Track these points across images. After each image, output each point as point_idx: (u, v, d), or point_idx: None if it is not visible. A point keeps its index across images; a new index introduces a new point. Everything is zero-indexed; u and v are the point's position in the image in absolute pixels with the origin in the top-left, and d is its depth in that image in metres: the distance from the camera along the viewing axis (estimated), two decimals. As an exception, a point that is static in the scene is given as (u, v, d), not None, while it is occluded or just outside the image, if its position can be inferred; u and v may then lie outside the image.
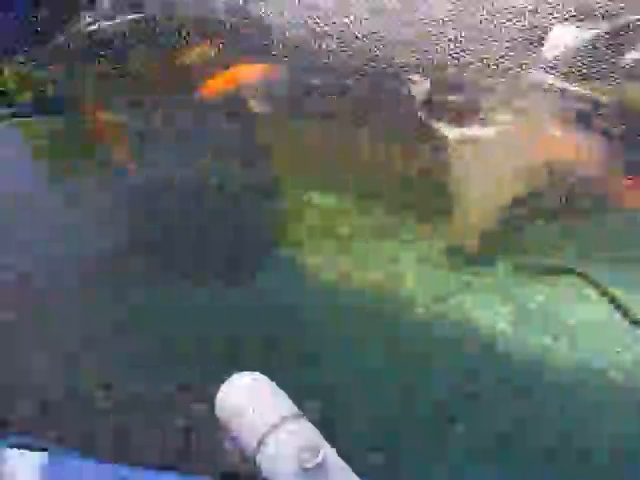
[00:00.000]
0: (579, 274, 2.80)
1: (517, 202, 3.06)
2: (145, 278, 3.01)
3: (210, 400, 1.97)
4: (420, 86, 3.72)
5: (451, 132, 3.48)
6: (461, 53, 3.89)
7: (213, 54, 4.18)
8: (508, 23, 3.92)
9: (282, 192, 3.41)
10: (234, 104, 3.79)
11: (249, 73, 4.00)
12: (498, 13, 3.89)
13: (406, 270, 2.88)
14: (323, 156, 3.50)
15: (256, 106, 3.79)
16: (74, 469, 1.75)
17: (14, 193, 3.53)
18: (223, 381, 1.90)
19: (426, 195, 3.22)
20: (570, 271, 2.82)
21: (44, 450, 1.54)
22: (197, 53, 4.20)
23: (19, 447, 1.40)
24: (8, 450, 1.33)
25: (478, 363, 2.52)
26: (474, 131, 3.48)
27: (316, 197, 3.30)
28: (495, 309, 2.70)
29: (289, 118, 3.80)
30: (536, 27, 3.91)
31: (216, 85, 3.94)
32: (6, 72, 4.38)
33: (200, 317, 2.77)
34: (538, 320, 2.66)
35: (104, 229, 3.31)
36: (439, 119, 3.53)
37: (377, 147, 3.49)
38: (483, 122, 3.54)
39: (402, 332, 2.66)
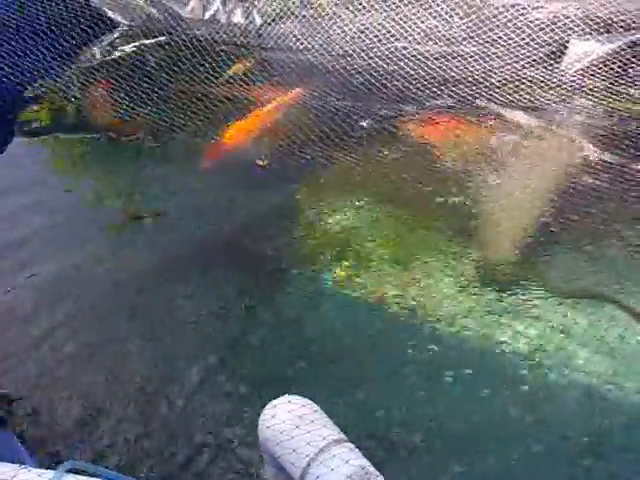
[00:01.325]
0: (612, 300, 2.80)
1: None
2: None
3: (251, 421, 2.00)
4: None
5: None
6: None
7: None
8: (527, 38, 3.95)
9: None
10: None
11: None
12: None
13: (441, 290, 2.89)
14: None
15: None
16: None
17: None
18: (265, 403, 1.92)
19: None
20: (602, 296, 2.82)
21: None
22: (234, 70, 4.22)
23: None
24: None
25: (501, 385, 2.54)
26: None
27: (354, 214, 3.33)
28: (524, 331, 2.71)
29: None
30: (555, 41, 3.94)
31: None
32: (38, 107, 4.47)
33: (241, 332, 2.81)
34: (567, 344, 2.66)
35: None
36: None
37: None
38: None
39: (432, 351, 2.67)
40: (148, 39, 4.76)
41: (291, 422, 1.77)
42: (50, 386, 2.68)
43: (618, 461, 2.25)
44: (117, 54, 4.70)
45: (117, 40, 4.81)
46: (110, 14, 4.89)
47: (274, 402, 1.89)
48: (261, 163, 3.63)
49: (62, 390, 2.66)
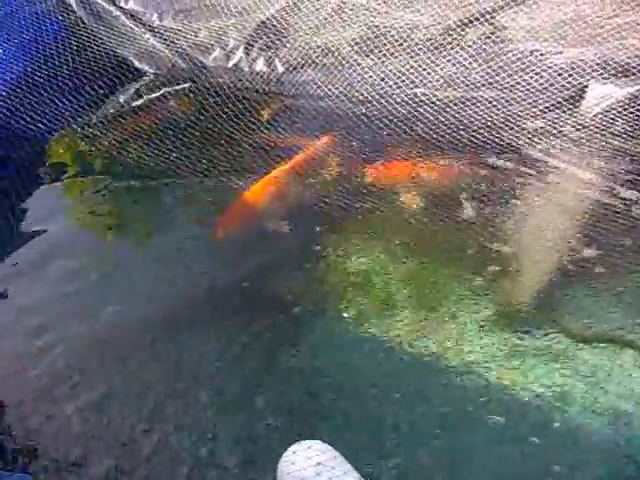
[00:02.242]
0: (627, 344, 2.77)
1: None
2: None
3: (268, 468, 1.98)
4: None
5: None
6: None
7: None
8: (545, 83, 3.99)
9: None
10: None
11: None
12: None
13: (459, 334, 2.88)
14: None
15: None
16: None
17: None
18: (283, 449, 1.90)
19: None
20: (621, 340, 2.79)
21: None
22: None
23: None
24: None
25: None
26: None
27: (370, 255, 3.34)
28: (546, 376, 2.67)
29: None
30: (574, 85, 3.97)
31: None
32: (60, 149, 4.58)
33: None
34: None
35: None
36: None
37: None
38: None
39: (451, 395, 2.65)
40: (173, 87, 4.89)
41: (311, 469, 1.76)
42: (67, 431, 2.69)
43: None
44: (142, 102, 4.82)
45: (143, 88, 4.94)
46: (136, 63, 5.04)
47: (293, 448, 1.88)
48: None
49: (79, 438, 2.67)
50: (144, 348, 3.04)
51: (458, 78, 4.14)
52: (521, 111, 3.97)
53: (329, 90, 4.37)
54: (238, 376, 2.84)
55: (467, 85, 4.12)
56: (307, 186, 3.83)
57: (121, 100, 4.89)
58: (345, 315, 3.04)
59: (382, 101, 4.16)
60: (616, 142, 3.70)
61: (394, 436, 2.51)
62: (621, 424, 2.47)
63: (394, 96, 4.13)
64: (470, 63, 4.17)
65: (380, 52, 4.36)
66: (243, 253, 3.51)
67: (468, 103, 4.06)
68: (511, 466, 2.39)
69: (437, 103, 4.06)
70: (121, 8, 5.03)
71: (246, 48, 4.75)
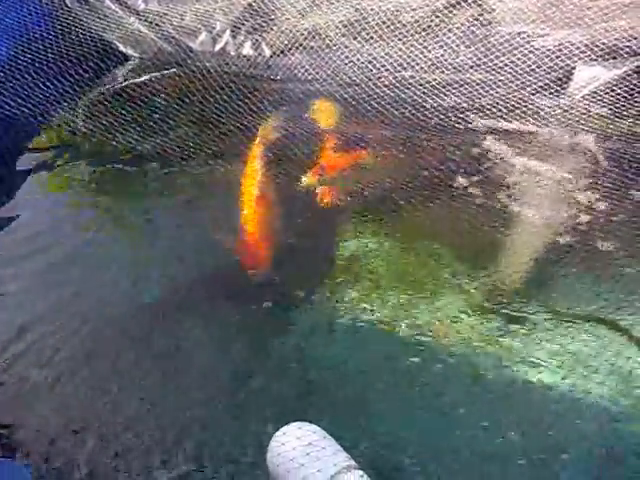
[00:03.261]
0: (611, 323, 2.80)
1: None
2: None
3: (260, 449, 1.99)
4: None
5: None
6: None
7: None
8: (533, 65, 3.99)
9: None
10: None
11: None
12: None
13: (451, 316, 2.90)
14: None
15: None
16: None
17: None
18: (273, 431, 1.91)
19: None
20: (602, 320, 2.82)
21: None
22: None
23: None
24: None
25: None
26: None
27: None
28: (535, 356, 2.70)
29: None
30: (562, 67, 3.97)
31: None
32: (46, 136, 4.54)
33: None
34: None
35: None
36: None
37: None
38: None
39: (442, 374, 2.66)
40: (159, 71, 4.85)
41: (301, 449, 1.77)
42: (62, 418, 2.69)
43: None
44: (127, 86, 4.78)
45: (129, 72, 4.90)
46: (122, 48, 4.99)
47: (283, 429, 1.89)
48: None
49: (74, 422, 2.67)
50: (136, 333, 3.04)
51: (446, 60, 4.13)
52: (509, 93, 3.97)
53: (317, 73, 4.36)
54: (231, 359, 2.85)
55: (455, 67, 4.12)
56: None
57: (106, 84, 4.85)
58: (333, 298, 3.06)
59: (370, 84, 4.15)
60: (603, 123, 3.72)
61: (383, 417, 2.52)
62: (605, 404, 2.51)
63: (382, 79, 4.13)
64: (458, 45, 4.16)
65: (367, 35, 4.33)
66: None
67: (456, 85, 4.06)
68: (497, 445, 2.41)
69: (425, 85, 4.06)
70: (106, -8, 4.97)
71: (233, 31, 4.71)
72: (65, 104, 4.61)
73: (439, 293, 3.01)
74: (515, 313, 2.87)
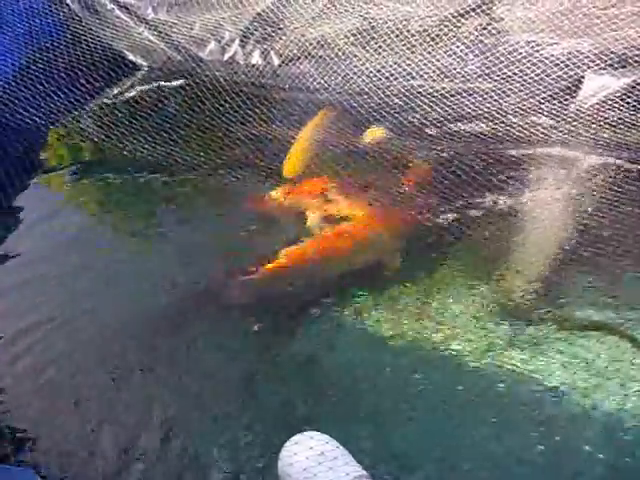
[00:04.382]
0: (617, 331, 2.79)
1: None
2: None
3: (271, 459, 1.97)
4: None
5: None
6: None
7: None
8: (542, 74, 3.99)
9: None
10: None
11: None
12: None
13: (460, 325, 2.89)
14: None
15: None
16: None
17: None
18: (284, 440, 1.90)
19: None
20: (609, 328, 2.81)
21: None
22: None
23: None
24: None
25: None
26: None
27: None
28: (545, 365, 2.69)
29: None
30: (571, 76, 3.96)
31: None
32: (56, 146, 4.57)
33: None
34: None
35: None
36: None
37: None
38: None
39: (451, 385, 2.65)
40: (168, 81, 4.87)
41: (313, 459, 1.76)
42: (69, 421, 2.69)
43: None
44: (137, 95, 4.81)
45: (138, 82, 4.93)
46: (131, 57, 5.02)
47: (294, 439, 1.88)
48: None
49: (82, 426, 2.66)
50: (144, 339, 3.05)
51: (455, 69, 4.14)
52: (517, 102, 3.97)
53: (325, 82, 4.37)
54: (240, 367, 2.84)
55: (463, 76, 4.12)
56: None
57: (115, 93, 4.88)
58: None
59: (379, 93, 4.16)
60: (612, 132, 3.71)
61: (395, 426, 2.51)
62: (616, 413, 2.49)
63: (390, 88, 4.13)
64: (466, 54, 4.16)
65: (376, 44, 4.34)
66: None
67: (464, 94, 4.06)
68: (505, 453, 2.39)
69: (434, 94, 4.06)
70: (115, 1, 5.00)
71: (242, 41, 4.73)
72: (75, 113, 4.64)
73: (448, 300, 3.01)
74: (526, 323, 2.86)
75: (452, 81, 4.13)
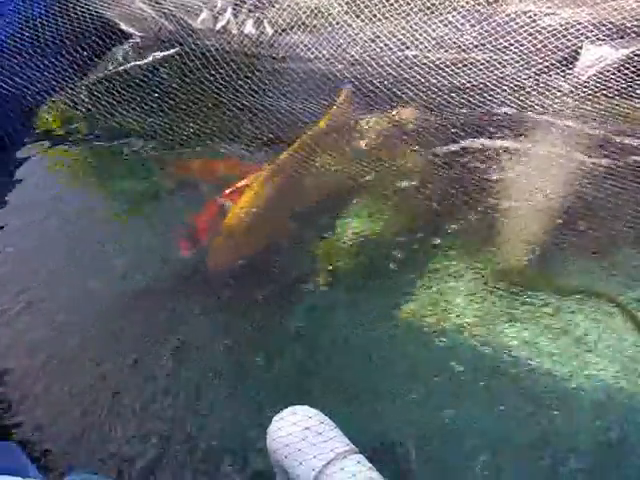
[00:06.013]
0: (612, 300, 2.78)
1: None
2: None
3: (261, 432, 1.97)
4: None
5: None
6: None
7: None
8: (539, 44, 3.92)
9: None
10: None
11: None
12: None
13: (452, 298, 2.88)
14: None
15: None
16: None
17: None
18: (274, 413, 1.90)
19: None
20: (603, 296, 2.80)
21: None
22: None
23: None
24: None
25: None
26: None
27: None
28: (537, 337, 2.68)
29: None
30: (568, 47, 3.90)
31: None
32: (48, 115, 4.51)
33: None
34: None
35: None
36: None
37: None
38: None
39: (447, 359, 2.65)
40: (160, 50, 4.80)
41: (298, 434, 1.76)
42: (54, 397, 2.69)
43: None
44: (129, 65, 4.74)
45: (129, 51, 4.85)
46: (122, 26, 4.93)
47: (281, 414, 1.88)
48: None
49: (66, 402, 2.67)
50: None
51: (450, 40, 4.07)
52: (514, 73, 3.91)
53: (319, 52, 4.30)
54: (231, 344, 2.84)
55: (459, 47, 4.05)
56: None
57: (107, 63, 4.80)
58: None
59: (372, 63, 4.09)
60: (609, 104, 3.66)
61: (384, 400, 2.51)
62: (607, 385, 2.49)
63: (385, 58, 4.06)
64: (462, 24, 4.09)
65: (370, 13, 4.26)
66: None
67: (460, 65, 3.99)
68: (498, 427, 2.40)
69: (429, 65, 3.99)
70: (106, -31, 4.90)
71: (234, 9, 4.65)
72: (65, 83, 4.58)
73: (441, 278, 2.99)
74: (519, 295, 2.85)
75: (447, 52, 4.06)
